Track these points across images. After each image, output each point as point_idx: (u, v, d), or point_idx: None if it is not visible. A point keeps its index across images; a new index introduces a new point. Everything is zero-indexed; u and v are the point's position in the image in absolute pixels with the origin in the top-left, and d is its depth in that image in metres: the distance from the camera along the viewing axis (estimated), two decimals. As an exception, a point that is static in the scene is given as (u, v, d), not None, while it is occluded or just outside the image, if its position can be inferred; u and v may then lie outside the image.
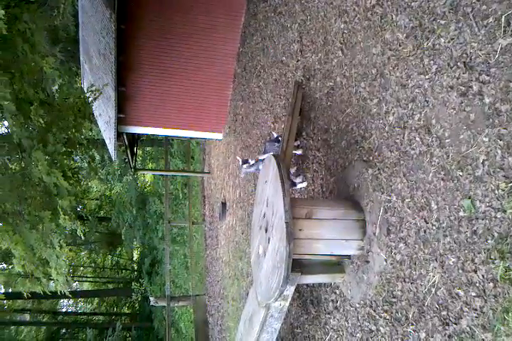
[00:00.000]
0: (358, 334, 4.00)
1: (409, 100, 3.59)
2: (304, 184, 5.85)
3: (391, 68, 3.91)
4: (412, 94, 3.56)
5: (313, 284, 5.06)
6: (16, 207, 7.05)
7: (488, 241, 2.66)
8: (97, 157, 20.29)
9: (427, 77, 3.40)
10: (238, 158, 6.58)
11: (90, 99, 7.95)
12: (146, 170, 21.92)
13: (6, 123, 7.42)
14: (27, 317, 29.50)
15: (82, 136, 8.54)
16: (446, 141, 3.11)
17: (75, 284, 32.87)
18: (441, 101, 3.21)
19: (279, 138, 6.07)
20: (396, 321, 3.44)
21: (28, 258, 7.27)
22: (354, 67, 4.62)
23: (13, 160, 7.51)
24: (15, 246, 7.08)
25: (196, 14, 9.23)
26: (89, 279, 34.56)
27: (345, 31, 4.89)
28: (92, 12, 9.63)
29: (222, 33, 9.59)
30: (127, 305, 32.42)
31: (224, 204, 11.22)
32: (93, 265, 33.79)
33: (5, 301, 24.89)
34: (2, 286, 22.99)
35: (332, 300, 4.58)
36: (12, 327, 27.67)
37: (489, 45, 2.84)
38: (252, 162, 6.17)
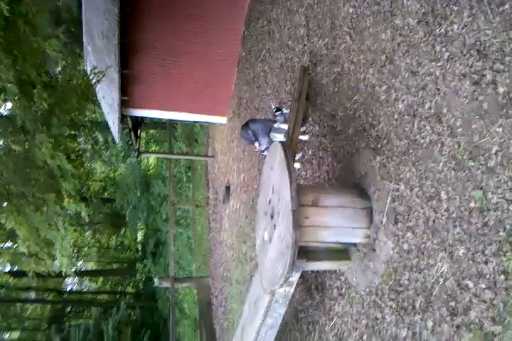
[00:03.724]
0: (363, 321, 4.02)
1: (420, 88, 3.53)
2: (306, 137, 5.80)
3: (401, 54, 3.84)
4: (422, 82, 3.50)
5: (318, 270, 5.08)
6: (20, 188, 7.05)
7: (500, 233, 2.64)
8: (101, 139, 20.24)
9: (438, 64, 3.33)
10: (272, 104, 6.38)
11: (93, 81, 7.88)
12: (150, 152, 21.87)
13: (9, 105, 7.37)
14: (32, 295, 29.89)
15: (86, 118, 8.50)
16: (458, 130, 3.07)
17: (79, 263, 33.21)
18: (453, 90, 3.15)
19: (276, 112, 5.99)
20: (402, 310, 3.44)
21: (32, 239, 7.31)
22: (362, 53, 4.54)
23: (17, 141, 7.47)
24: (19, 227, 7.11)
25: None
26: (93, 259, 34.86)
27: (354, 16, 4.79)
28: (95, -7, 9.48)
29: (227, 15, 9.44)
30: (131, 284, 32.76)
31: (228, 188, 11.21)
32: (97, 245, 34.03)
33: (11, 279, 25.20)
34: (8, 264, 23.28)
35: (337, 287, 4.60)
36: (18, 304, 28.05)
37: (504, 33, 2.77)
38: (285, 111, 5.93)
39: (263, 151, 6.41)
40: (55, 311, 28.53)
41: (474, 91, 2.96)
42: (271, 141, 6.07)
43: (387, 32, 4.07)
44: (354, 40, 4.74)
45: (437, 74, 3.33)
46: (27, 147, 7.16)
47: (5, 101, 7.37)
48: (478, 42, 2.97)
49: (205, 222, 15.63)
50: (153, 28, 9.29)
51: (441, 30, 3.33)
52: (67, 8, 13.05)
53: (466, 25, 3.08)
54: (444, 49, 3.29)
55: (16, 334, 28.94)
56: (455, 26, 3.18)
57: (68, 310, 29.60)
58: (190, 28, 9.40)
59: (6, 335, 28.29)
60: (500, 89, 2.75)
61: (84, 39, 11.41)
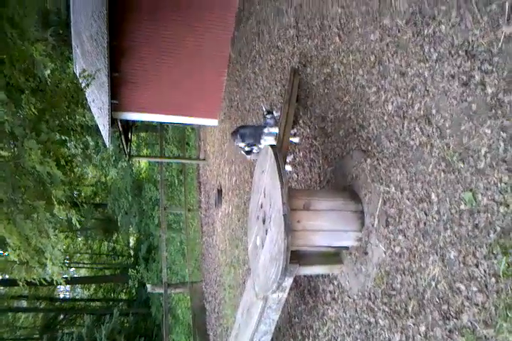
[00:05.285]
0: (356, 326, 3.97)
1: (409, 89, 3.50)
2: (297, 139, 5.79)
3: (390, 55, 3.81)
4: (411, 83, 3.48)
5: (310, 274, 5.03)
6: (10, 195, 6.96)
7: (490, 236, 2.60)
8: (91, 143, 20.11)
9: (427, 65, 3.30)
10: (263, 106, 6.42)
11: (83, 85, 7.82)
12: (141, 156, 21.77)
13: (-3, 111, 7.27)
14: (24, 303, 29.59)
15: (76, 123, 8.42)
16: (447, 131, 3.04)
17: (71, 270, 32.96)
18: (442, 91, 3.12)
19: (267, 114, 5.98)
20: (395, 314, 3.40)
21: (23, 247, 7.21)
22: (352, 54, 4.52)
23: (6, 148, 7.38)
24: (9, 236, 7.02)
25: (190, -2, 9.04)
26: (86, 265, 34.62)
27: (343, 16, 4.76)
28: (83, -4, 9.43)
29: (216, 16, 9.39)
30: (124, 291, 32.54)
31: (220, 191, 11.16)
32: (89, 251, 33.82)
33: (2, 288, 24.95)
34: (-1, 273, 23.07)
35: (330, 291, 4.55)
36: (9, 313, 27.74)
37: (492, 33, 2.75)
38: (276, 114, 5.94)
39: (247, 153, 6.44)
40: (47, 319, 28.23)
41: (463, 92, 2.93)
42: (253, 144, 6.11)
43: (376, 32, 4.04)
44: (343, 40, 4.71)
45: (426, 75, 3.31)
46: (16, 153, 7.08)
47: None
48: (466, 43, 2.94)
49: (197, 226, 15.57)
50: (142, 31, 9.24)
51: (430, 31, 3.30)
52: (56, 11, 12.95)
53: (453, 25, 3.05)
54: (432, 49, 3.26)
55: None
56: (443, 26, 3.16)
57: (61, 318, 29.31)
58: (180, 30, 9.35)
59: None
60: (489, 90, 2.73)
61: (73, 42, 11.35)
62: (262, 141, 6.05)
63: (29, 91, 6.64)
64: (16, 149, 7.08)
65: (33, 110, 6.98)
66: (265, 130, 5.95)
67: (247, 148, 6.35)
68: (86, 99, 9.41)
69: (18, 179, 6.92)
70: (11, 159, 7.04)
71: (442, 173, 3.04)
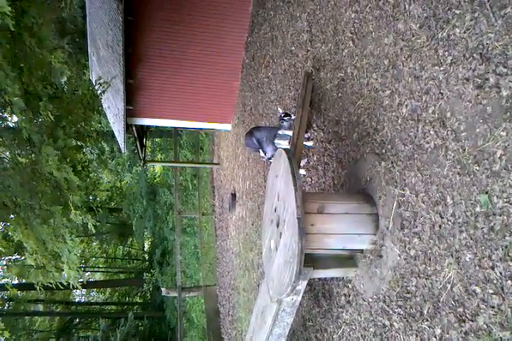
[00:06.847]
0: (371, 329, 3.97)
1: (423, 92, 3.51)
2: (311, 143, 5.78)
3: (404, 59, 3.82)
4: (426, 86, 3.48)
5: (324, 277, 5.04)
6: (27, 201, 7.05)
7: (506, 238, 2.60)
8: (107, 148, 20.30)
9: (441, 68, 3.31)
10: (279, 109, 6.42)
11: (99, 92, 7.92)
12: (156, 161, 21.94)
13: (15, 118, 7.39)
14: (40, 307, 29.87)
15: (92, 129, 8.53)
16: (462, 134, 3.04)
17: (87, 274, 33.21)
18: (457, 94, 3.13)
19: (285, 116, 5.96)
20: (410, 316, 3.40)
21: (39, 252, 7.30)
22: (365, 58, 4.53)
23: (23, 154, 7.49)
24: (27, 240, 7.11)
25: (204, 4, 9.13)
26: (101, 269, 34.89)
27: (356, 21, 4.79)
28: (100, 3, 9.57)
29: (230, 22, 9.48)
30: (139, 294, 32.73)
31: (234, 195, 11.20)
32: (105, 255, 34.09)
33: (19, 292, 25.19)
34: (16, 277, 23.32)
35: (344, 294, 4.55)
36: (26, 317, 28.03)
37: (507, 36, 2.75)
38: (293, 116, 5.83)
39: (269, 159, 6.40)
40: (63, 323, 28.51)
41: (478, 95, 2.93)
42: (276, 148, 6.06)
43: (390, 36, 4.06)
44: (357, 45, 4.73)
45: (440, 78, 3.31)
46: (33, 159, 7.18)
47: (11, 114, 7.40)
48: (480, 46, 2.95)
49: (211, 230, 15.62)
50: (157, 38, 9.36)
51: (444, 34, 3.31)
52: (72, 19, 13.17)
53: (468, 29, 3.06)
54: (446, 53, 3.27)
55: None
56: (457, 30, 3.17)
57: (76, 321, 29.56)
58: (194, 36, 9.46)
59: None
60: (504, 93, 2.73)
61: (89, 49, 11.51)
62: (275, 143, 6.07)
63: (46, 98, 6.73)
64: (33, 155, 7.18)
65: (50, 117, 7.07)
66: (279, 132, 5.96)
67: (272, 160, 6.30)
68: (101, 106, 9.54)
69: (35, 185, 7.01)
70: (28, 165, 7.14)
71: (457, 176, 3.04)
